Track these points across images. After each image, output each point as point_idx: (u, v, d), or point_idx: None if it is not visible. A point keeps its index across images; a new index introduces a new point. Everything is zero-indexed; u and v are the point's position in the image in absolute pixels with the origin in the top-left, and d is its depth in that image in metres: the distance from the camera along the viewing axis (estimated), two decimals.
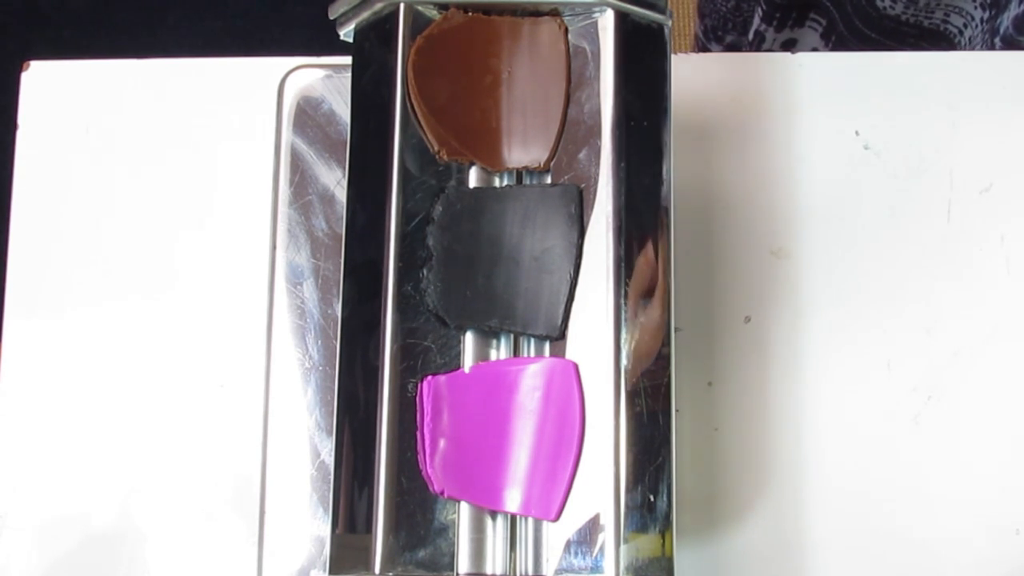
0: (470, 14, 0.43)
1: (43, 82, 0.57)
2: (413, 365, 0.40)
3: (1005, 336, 0.53)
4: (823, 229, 0.55)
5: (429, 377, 0.40)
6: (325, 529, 0.45)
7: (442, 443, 0.39)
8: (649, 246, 0.40)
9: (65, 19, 1.40)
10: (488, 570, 0.39)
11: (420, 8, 0.42)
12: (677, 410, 0.41)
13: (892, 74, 0.57)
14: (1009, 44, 0.63)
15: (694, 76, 0.57)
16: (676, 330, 0.40)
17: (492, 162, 0.42)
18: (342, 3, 0.43)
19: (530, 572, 0.39)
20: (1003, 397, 0.52)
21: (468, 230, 0.41)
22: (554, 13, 0.43)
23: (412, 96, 0.41)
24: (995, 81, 0.56)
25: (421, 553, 0.38)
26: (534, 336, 0.41)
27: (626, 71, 0.42)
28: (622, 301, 0.39)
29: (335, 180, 0.49)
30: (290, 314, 0.48)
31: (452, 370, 0.40)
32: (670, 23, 0.43)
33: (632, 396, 0.39)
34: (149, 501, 0.52)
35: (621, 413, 0.38)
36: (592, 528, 0.38)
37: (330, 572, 0.38)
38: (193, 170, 0.56)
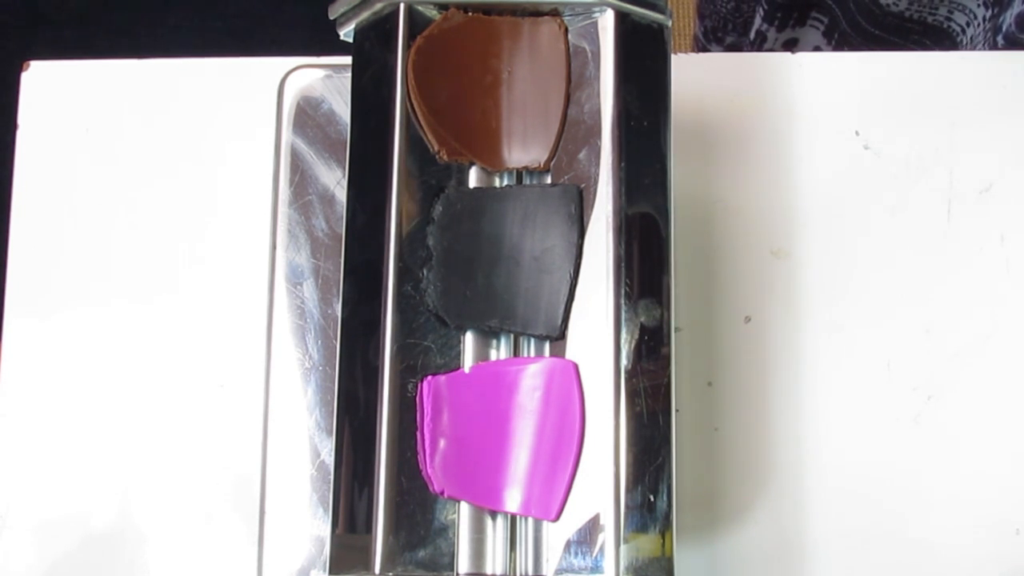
0: (470, 14, 0.43)
1: (43, 82, 0.57)
2: (413, 365, 0.40)
3: (1005, 336, 0.53)
4: (823, 229, 0.55)
5: (429, 377, 0.40)
6: (325, 529, 0.45)
7: (442, 443, 0.39)
8: (649, 246, 0.40)
9: (65, 19, 1.40)
10: (488, 570, 0.39)
11: (420, 8, 0.42)
12: (677, 410, 0.41)
13: (892, 74, 0.57)
14: (1011, 42, 0.63)
15: (694, 76, 0.57)
16: (676, 330, 0.40)
17: (492, 162, 0.42)
18: (342, 3, 0.43)
19: (530, 572, 0.39)
20: (1003, 397, 0.52)
21: (468, 230, 0.41)
22: (554, 13, 0.43)
23: (412, 96, 0.41)
24: (995, 81, 0.56)
25: (421, 553, 0.38)
26: (534, 336, 0.41)
27: (626, 71, 0.42)
28: (622, 301, 0.39)
29: (335, 180, 0.49)
30: (290, 314, 0.48)
31: (452, 370, 0.40)
32: (670, 23, 0.43)
33: (632, 396, 0.39)
34: (149, 501, 0.52)
35: (621, 413, 0.38)
36: (592, 528, 0.38)
37: (330, 572, 0.38)
38: (193, 170, 0.56)
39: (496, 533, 0.39)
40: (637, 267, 0.40)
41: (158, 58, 0.57)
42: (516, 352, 0.41)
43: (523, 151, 0.43)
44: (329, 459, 0.44)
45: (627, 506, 0.38)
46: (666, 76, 0.42)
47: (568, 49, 0.43)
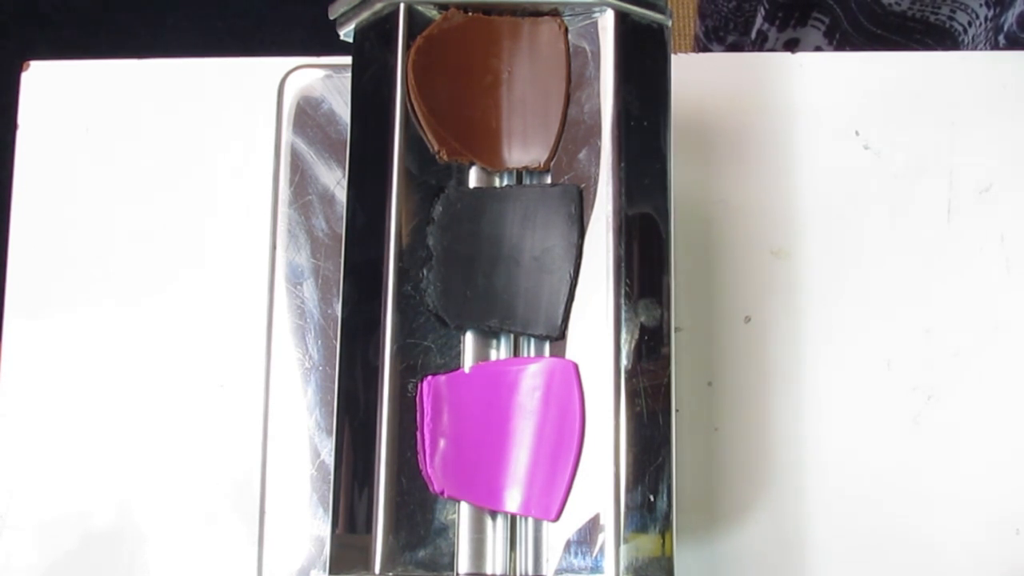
0: (470, 14, 0.43)
1: (43, 82, 0.57)
2: (413, 365, 0.40)
3: (1005, 336, 0.53)
4: (823, 229, 0.55)
5: (429, 377, 0.40)
6: (325, 529, 0.45)
7: (442, 443, 0.39)
8: (649, 246, 0.40)
9: (65, 19, 1.40)
10: (488, 570, 0.39)
11: (420, 8, 0.42)
12: (677, 410, 0.41)
13: (892, 74, 0.57)
14: (1012, 42, 0.63)
15: (694, 76, 0.57)
16: (676, 330, 0.40)
17: (492, 162, 0.42)
18: (342, 3, 0.43)
19: (530, 572, 0.39)
20: (1003, 397, 0.52)
21: (468, 230, 0.41)
22: (554, 13, 0.43)
23: (412, 96, 0.41)
24: (995, 81, 0.56)
25: (421, 553, 0.38)
26: (534, 336, 0.41)
27: (626, 71, 0.42)
28: (622, 301, 0.39)
29: (335, 180, 0.49)
30: (290, 314, 0.48)
31: (452, 370, 0.40)
32: (670, 23, 0.43)
33: (632, 396, 0.39)
34: (149, 501, 0.52)
35: (621, 413, 0.38)
36: (592, 528, 0.38)
37: (330, 572, 0.38)
38: (193, 170, 0.56)
39: (496, 533, 0.39)
40: (637, 267, 0.40)
41: (158, 58, 0.57)
42: (516, 352, 0.41)
43: (523, 151, 0.43)
44: (329, 459, 0.44)
45: (627, 506, 0.38)
46: (666, 76, 0.42)
47: (568, 49, 0.43)
